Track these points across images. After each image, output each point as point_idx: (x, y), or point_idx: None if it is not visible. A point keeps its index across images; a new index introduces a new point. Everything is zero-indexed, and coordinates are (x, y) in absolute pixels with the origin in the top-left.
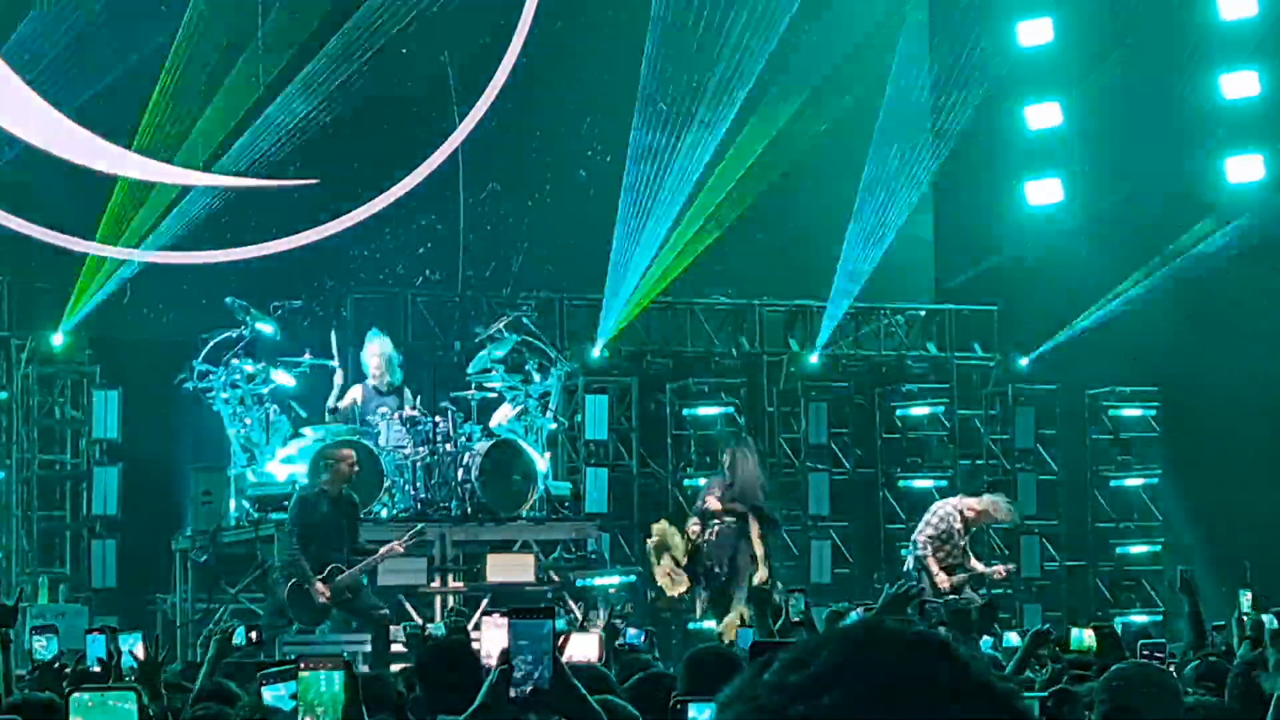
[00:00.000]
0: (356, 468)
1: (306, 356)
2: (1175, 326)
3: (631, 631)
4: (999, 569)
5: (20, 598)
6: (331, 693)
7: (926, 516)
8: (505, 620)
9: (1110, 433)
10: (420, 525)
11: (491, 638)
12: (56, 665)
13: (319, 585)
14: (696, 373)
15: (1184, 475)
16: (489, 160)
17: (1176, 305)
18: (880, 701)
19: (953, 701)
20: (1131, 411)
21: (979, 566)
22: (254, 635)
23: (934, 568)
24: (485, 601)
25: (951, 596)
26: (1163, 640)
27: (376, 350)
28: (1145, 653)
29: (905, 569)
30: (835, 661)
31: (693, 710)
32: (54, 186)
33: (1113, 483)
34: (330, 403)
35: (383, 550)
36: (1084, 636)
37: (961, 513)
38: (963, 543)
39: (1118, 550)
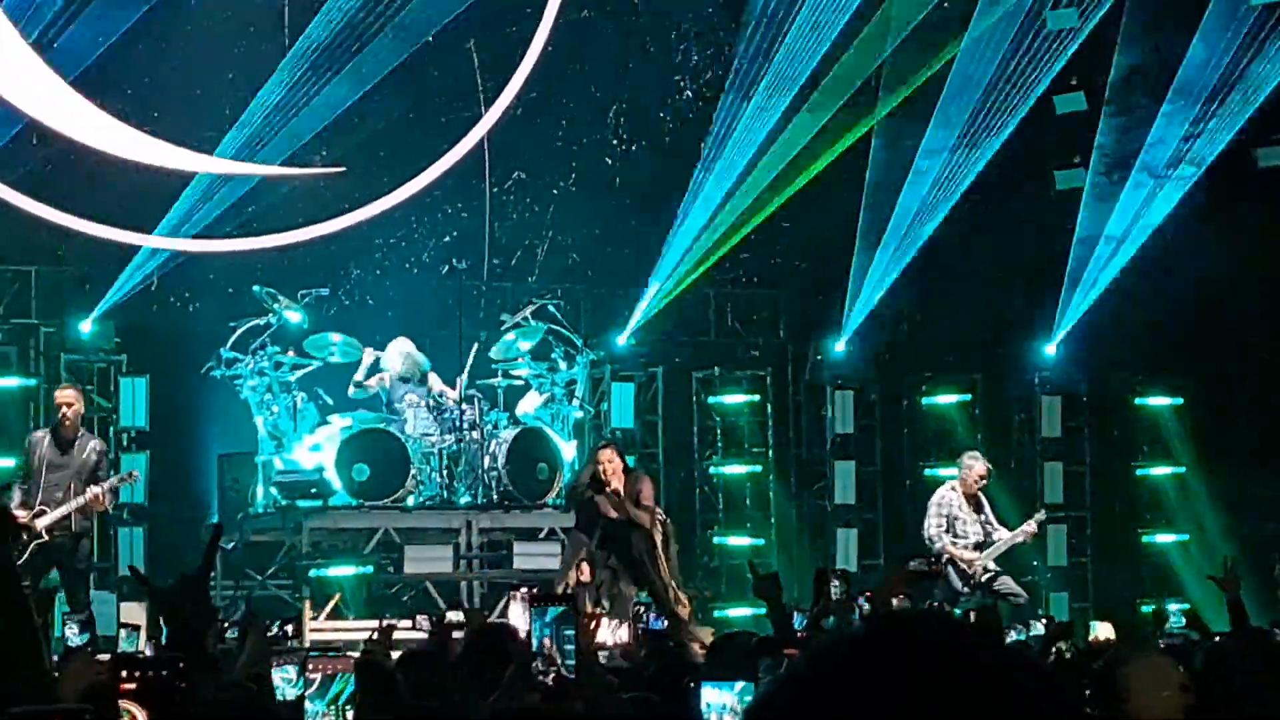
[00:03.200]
0: (67, 407)
1: (337, 338)
2: (1203, 315)
3: (653, 618)
4: (1023, 530)
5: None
6: (346, 690)
7: (928, 509)
8: (529, 600)
9: (1138, 422)
10: (133, 470)
11: (516, 613)
12: (89, 650)
13: (16, 512)
14: (722, 361)
15: (1212, 465)
16: (515, 149)
17: (1202, 293)
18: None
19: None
20: (1159, 401)
21: (1004, 533)
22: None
23: (955, 550)
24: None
25: (986, 577)
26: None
27: (399, 349)
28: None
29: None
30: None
31: (706, 691)
32: (80, 174)
33: (1139, 472)
34: (357, 376)
35: (84, 498)
36: (1097, 627)
37: (953, 488)
38: (969, 516)
39: (1144, 540)
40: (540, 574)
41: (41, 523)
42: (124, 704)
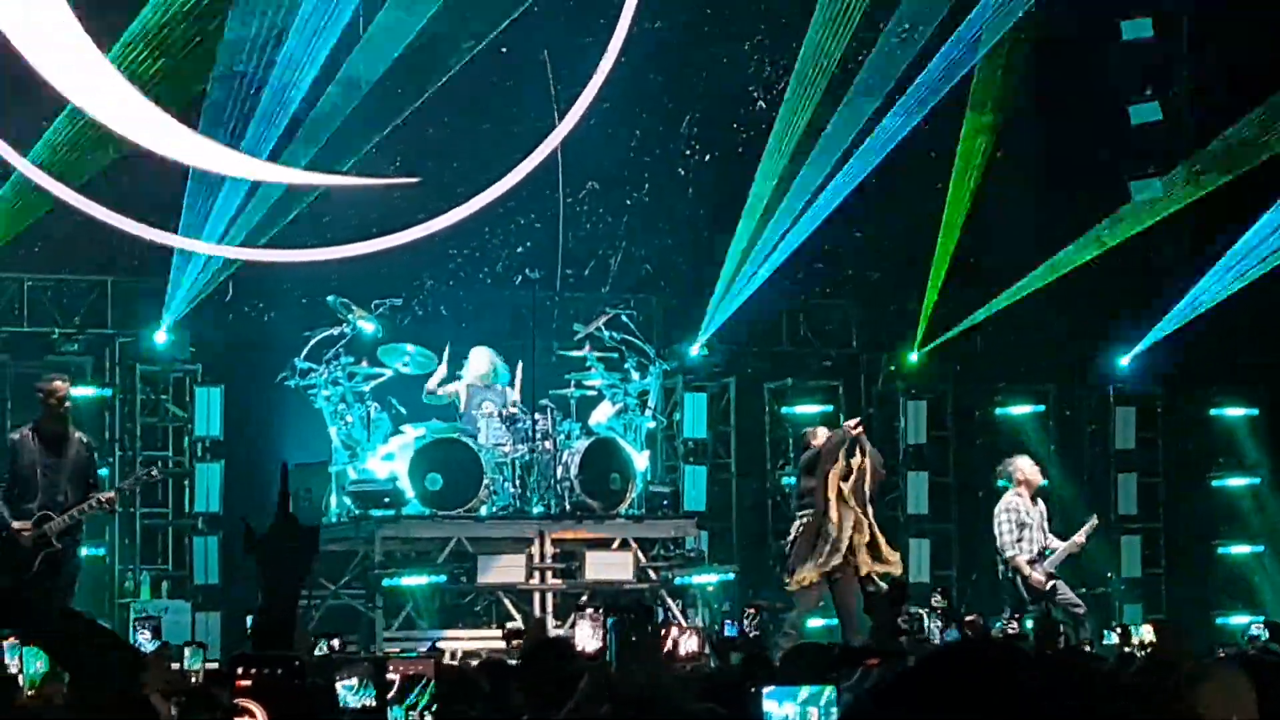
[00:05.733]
0: (66, 403)
1: (411, 349)
2: (1277, 325)
3: (729, 624)
4: (1077, 538)
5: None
6: (423, 693)
7: (996, 521)
8: (599, 616)
9: (1212, 433)
10: (152, 469)
11: (585, 632)
12: (163, 656)
13: (16, 525)
14: (794, 372)
15: None
16: (588, 159)
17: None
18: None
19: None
20: (1234, 411)
21: (1059, 544)
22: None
23: (1026, 569)
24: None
25: (1048, 588)
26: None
27: (482, 354)
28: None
29: (1001, 573)
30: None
31: (766, 698)
32: (156, 183)
33: (1214, 483)
34: (430, 384)
35: (95, 500)
36: (1143, 631)
37: (1018, 494)
38: (1034, 521)
39: (1219, 551)
40: (613, 584)
41: (53, 528)
42: (242, 702)
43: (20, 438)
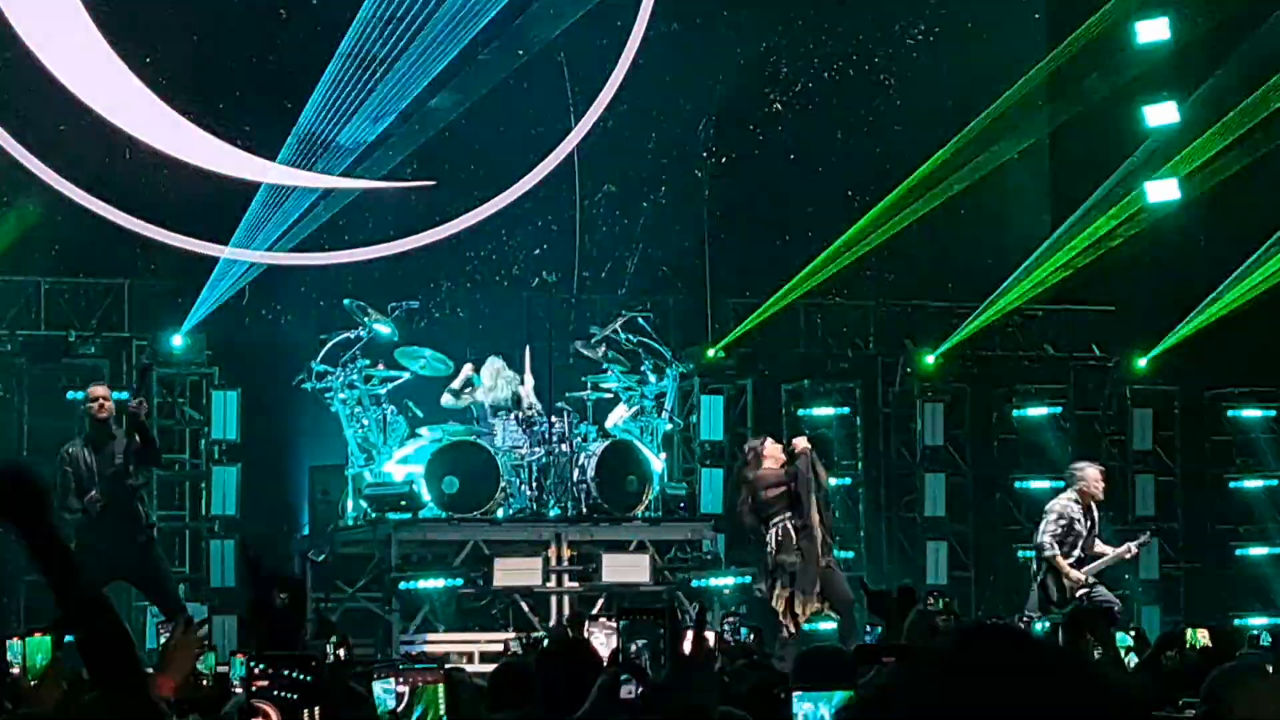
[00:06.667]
0: (105, 399)
1: (428, 353)
2: None
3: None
4: (1130, 547)
5: None
6: (435, 703)
7: (1045, 518)
8: (614, 623)
9: (1230, 434)
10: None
11: (601, 640)
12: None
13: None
14: (812, 374)
15: None
16: (605, 161)
17: None
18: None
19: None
20: (1251, 413)
21: (1109, 551)
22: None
23: (1064, 565)
24: (600, 603)
25: (1082, 591)
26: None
27: (491, 371)
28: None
29: (1032, 571)
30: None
31: (796, 702)
32: (170, 188)
33: (1232, 484)
34: (454, 385)
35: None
36: (1199, 636)
37: (1074, 499)
38: (1085, 529)
39: (1237, 552)
40: (629, 587)
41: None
42: (257, 703)
43: (74, 451)
